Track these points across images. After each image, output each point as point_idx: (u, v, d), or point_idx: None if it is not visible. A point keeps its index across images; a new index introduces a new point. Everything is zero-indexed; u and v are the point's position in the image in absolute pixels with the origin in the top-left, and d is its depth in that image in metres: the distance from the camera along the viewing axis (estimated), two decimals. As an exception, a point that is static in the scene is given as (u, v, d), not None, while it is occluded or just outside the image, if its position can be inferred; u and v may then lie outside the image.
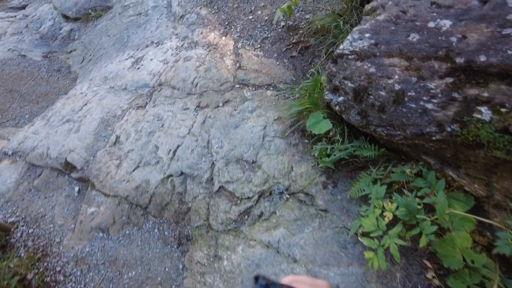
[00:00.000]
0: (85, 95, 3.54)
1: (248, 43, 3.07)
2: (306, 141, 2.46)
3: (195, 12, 3.48)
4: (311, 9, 2.99)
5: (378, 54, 1.79)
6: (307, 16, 3.00)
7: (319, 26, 2.77)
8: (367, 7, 2.01)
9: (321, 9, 2.71)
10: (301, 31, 2.92)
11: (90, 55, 4.56)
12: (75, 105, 3.42)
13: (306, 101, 2.30)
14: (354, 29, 1.92)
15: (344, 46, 1.95)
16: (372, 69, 1.82)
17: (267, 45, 3.00)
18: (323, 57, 2.68)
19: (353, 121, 2.09)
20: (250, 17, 3.23)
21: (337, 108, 2.16)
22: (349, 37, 1.93)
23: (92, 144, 3.01)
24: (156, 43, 3.61)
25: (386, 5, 1.81)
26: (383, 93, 1.79)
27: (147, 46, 3.72)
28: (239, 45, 3.08)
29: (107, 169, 2.82)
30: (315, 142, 2.43)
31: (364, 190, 2.11)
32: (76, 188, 2.92)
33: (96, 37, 4.57)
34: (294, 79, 2.72)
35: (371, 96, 1.86)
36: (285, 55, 2.88)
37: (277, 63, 2.84)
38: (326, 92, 2.20)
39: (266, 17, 3.17)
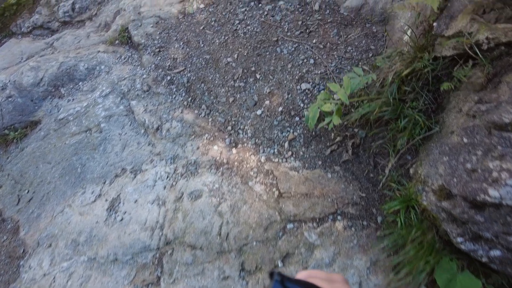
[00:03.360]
0: (53, 279, 2.42)
1: (272, 151, 2.27)
2: (424, 289, 1.76)
3: (177, 119, 2.55)
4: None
5: None
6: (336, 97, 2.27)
7: (364, 113, 2.08)
8: (504, 119, 1.35)
9: (369, 94, 2.01)
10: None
11: (27, 191, 3.31)
12: (44, 307, 2.28)
13: (419, 254, 1.61)
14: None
15: (503, 195, 1.27)
16: None
17: (299, 149, 2.24)
18: (392, 157, 2.00)
19: (517, 276, 1.44)
20: (258, 112, 2.42)
21: (483, 259, 1.50)
22: (509, 181, 1.26)
23: None
24: (131, 172, 2.61)
25: None
26: None
27: (117, 176, 2.70)
28: (262, 157, 2.26)
29: None
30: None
31: None
32: None
33: (29, 165, 3.34)
34: (363, 195, 2.01)
35: None
36: (334, 160, 2.15)
37: (329, 175, 2.10)
38: (458, 239, 1.53)
39: (281, 108, 2.39)
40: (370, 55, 2.45)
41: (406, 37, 2.28)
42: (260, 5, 2.86)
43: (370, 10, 2.59)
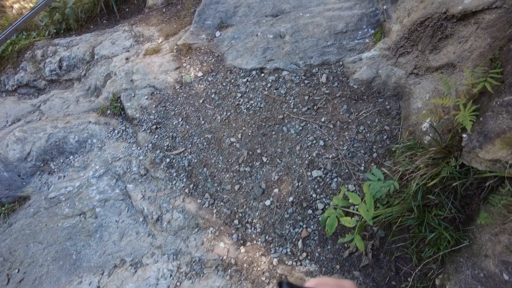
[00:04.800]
0: None
1: (285, 251, 2.12)
2: None
3: (178, 209, 2.38)
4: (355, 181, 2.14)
5: None
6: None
7: (384, 218, 1.94)
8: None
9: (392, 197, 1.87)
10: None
11: (18, 271, 3.13)
12: None
13: None
14: None
15: None
16: None
17: (314, 249, 2.09)
18: (415, 264, 1.86)
19: None
20: (267, 202, 2.27)
21: None
22: None
23: None
24: (131, 264, 2.44)
25: None
26: None
27: (116, 267, 2.53)
28: (274, 259, 2.11)
29: None
30: None
31: None
32: None
33: (19, 243, 3.14)
34: (386, 306, 1.86)
35: None
36: (353, 264, 2.01)
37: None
38: None
39: (291, 198, 2.25)
40: (385, 137, 2.31)
41: (425, 126, 2.14)
42: (262, 75, 2.70)
43: (382, 83, 2.44)
